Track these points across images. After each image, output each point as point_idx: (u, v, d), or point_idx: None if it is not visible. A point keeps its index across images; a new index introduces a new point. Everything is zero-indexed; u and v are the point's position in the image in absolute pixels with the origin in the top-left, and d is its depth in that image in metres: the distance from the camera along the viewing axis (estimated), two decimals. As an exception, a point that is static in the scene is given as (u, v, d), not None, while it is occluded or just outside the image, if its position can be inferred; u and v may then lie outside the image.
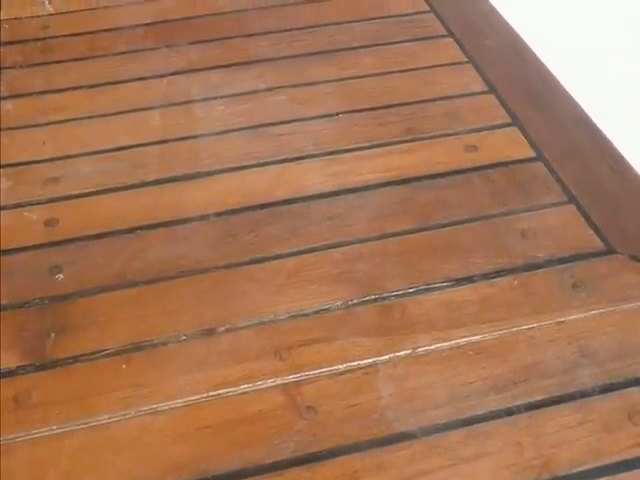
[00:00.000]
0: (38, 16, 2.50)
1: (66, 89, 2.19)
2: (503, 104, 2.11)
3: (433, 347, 1.52)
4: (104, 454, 1.37)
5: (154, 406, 1.43)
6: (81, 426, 1.40)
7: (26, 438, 1.39)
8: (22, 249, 1.74)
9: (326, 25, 2.44)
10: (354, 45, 2.35)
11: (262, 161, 1.94)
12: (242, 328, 1.56)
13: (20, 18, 2.50)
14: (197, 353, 1.51)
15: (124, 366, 1.50)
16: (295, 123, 2.06)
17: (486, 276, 1.65)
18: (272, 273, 1.67)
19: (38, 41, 2.39)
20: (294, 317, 1.58)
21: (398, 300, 1.61)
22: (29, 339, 1.55)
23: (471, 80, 2.20)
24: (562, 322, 1.56)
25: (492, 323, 1.56)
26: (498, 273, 1.66)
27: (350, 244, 1.73)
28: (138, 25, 2.45)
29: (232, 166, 1.93)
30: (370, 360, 1.50)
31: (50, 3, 2.56)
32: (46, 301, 1.62)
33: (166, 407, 1.43)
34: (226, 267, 1.68)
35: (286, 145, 1.99)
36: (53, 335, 1.55)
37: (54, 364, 1.51)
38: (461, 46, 2.33)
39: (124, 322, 1.58)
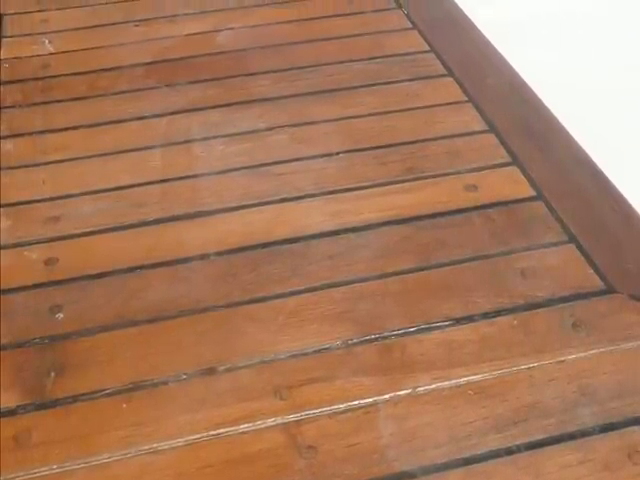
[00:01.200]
0: (38, 55, 2.57)
1: (66, 128, 2.26)
2: (503, 143, 2.17)
3: (433, 386, 1.56)
4: (104, 493, 1.41)
5: (155, 445, 1.47)
6: (82, 465, 1.44)
7: (26, 478, 1.43)
8: (22, 288, 1.78)
9: (327, 64, 2.51)
10: (355, 84, 2.42)
11: (262, 200, 2.00)
12: (242, 367, 1.60)
13: (20, 57, 2.57)
14: (197, 392, 1.55)
15: (124, 405, 1.54)
16: (295, 162, 2.12)
17: (486, 315, 1.70)
18: (273, 312, 1.71)
19: (38, 80, 2.46)
20: (294, 356, 1.62)
21: (398, 339, 1.65)
22: (29, 378, 1.59)
23: (471, 119, 2.26)
24: (562, 361, 1.60)
25: (492, 362, 1.60)
26: (498, 312, 1.70)
27: (350, 283, 1.78)
28: (138, 64, 2.52)
29: (232, 205, 1.99)
30: (370, 399, 1.54)
31: (50, 42, 2.63)
32: (46, 340, 1.66)
33: (167, 446, 1.47)
34: (226, 306, 1.73)
35: (286, 184, 2.04)
36: (53, 374, 1.59)
37: (54, 403, 1.55)
38: (461, 85, 2.39)
39: (124, 361, 1.62)
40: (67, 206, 1.99)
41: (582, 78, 2.51)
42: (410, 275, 1.80)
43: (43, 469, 1.44)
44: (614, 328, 1.66)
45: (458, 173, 2.08)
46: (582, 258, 1.83)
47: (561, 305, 1.72)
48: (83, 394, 1.56)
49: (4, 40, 2.64)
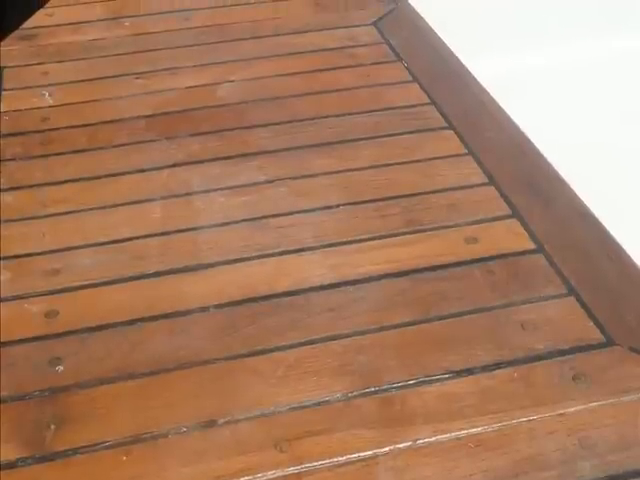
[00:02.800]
0: (38, 108, 2.66)
1: (66, 181, 2.33)
2: (503, 196, 2.24)
3: (433, 439, 1.61)
4: None
5: (154, 498, 1.52)
6: (81, 518, 1.49)
7: (26, 530, 1.48)
8: (22, 341, 1.84)
9: (326, 117, 2.59)
10: (355, 137, 2.50)
11: (263, 253, 2.06)
12: (242, 420, 1.66)
13: (20, 110, 2.65)
14: (198, 445, 1.61)
15: (124, 458, 1.59)
16: (295, 215, 2.19)
17: (486, 368, 1.75)
18: (272, 365, 1.77)
19: (38, 133, 2.54)
20: (294, 409, 1.68)
21: (398, 392, 1.71)
22: (29, 431, 1.64)
23: (471, 172, 2.34)
24: (562, 414, 1.65)
25: (492, 415, 1.65)
26: (498, 365, 1.76)
27: (350, 336, 1.84)
28: (138, 117, 2.60)
29: (232, 258, 2.05)
30: (370, 452, 1.59)
31: (50, 95, 2.72)
32: (46, 393, 1.72)
33: (166, 499, 1.52)
34: (226, 359, 1.79)
35: (286, 237, 2.11)
36: (53, 427, 1.65)
37: (54, 456, 1.60)
38: (461, 138, 2.47)
39: (124, 414, 1.67)
40: (67, 259, 2.05)
41: (582, 131, 2.59)
42: (410, 328, 1.86)
43: (43, 522, 1.49)
44: (614, 381, 1.72)
45: (458, 226, 2.15)
46: (582, 311, 1.89)
47: (561, 358, 1.78)
48: (83, 447, 1.61)
49: (4, 93, 2.72)
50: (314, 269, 2.02)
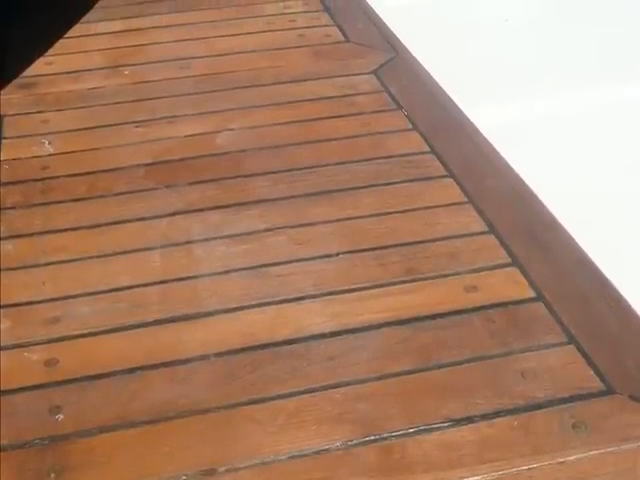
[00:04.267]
0: (38, 156, 2.73)
1: (66, 229, 2.39)
2: (503, 244, 2.30)
3: (433, 488, 1.66)
4: None
5: None
6: None
7: None
8: (22, 389, 1.89)
9: (326, 165, 2.66)
10: (355, 185, 2.56)
11: (262, 301, 2.12)
12: (242, 468, 1.70)
13: (20, 158, 2.72)
14: (198, 493, 1.65)
15: (124, 506, 1.63)
16: (295, 263, 2.25)
17: (486, 416, 1.80)
18: (272, 413, 1.82)
19: (38, 181, 2.60)
20: (294, 457, 1.72)
21: (398, 440, 1.75)
22: (30, 479, 1.68)
23: (471, 220, 2.40)
24: (562, 462, 1.70)
25: (492, 464, 1.70)
26: (498, 413, 1.81)
27: (350, 384, 1.89)
28: (138, 165, 2.67)
29: (232, 306, 2.11)
30: (370, 500, 1.64)
31: (50, 143, 2.79)
32: (46, 441, 1.77)
33: None
34: (226, 407, 1.84)
35: (286, 285, 2.17)
36: (53, 475, 1.69)
37: (54, 504, 1.64)
38: (461, 186, 2.54)
39: (124, 462, 1.72)
40: (67, 307, 2.11)
41: (582, 179, 2.66)
42: (410, 376, 1.91)
43: None
44: (614, 429, 1.77)
45: (458, 274, 2.20)
46: (582, 359, 1.94)
47: (561, 406, 1.82)
48: (83, 495, 1.66)
49: (4, 141, 2.80)
50: (314, 317, 2.07)
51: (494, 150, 2.69)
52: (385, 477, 1.68)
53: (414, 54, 3.29)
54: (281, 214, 2.44)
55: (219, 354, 1.97)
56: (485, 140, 2.74)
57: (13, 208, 2.48)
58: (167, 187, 2.57)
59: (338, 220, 2.41)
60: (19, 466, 1.71)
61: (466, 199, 2.48)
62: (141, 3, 3.76)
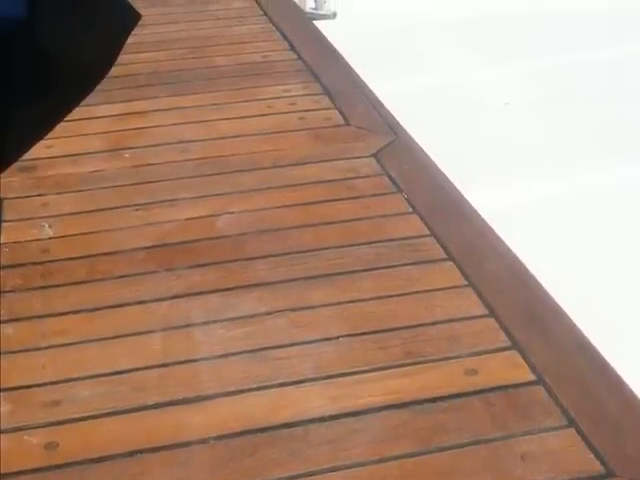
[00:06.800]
0: (38, 240, 2.82)
1: (66, 313, 2.48)
2: (503, 328, 2.39)
3: None
4: None
5: None
6: None
7: None
8: (22, 472, 1.96)
9: (327, 248, 2.75)
10: (355, 269, 2.66)
11: (262, 384, 2.20)
12: None
13: (20, 242, 2.82)
14: None
15: None
16: (295, 347, 2.33)
17: (486, 500, 1.87)
18: (272, 497, 1.89)
19: (38, 265, 2.70)
20: (294, 541, 1.79)
21: (398, 524, 1.82)
22: None
23: (471, 303, 2.49)
24: None
25: None
26: (498, 496, 1.88)
27: (350, 468, 1.96)
28: (138, 248, 2.77)
29: (232, 389, 2.19)
30: None
31: (50, 226, 2.89)
32: (46, 525, 1.84)
33: None
34: (226, 491, 1.91)
35: (286, 368, 2.25)
36: None
37: None
38: (461, 269, 2.63)
39: None
40: (67, 390, 2.19)
41: (582, 262, 2.75)
42: (410, 459, 1.98)
43: None
44: (615, 512, 1.84)
45: (458, 357, 2.29)
46: (582, 442, 2.02)
47: (561, 489, 1.90)
48: None
49: (4, 224, 2.90)
50: (314, 400, 2.15)
51: (494, 233, 2.79)
52: None
53: (414, 137, 3.40)
54: (281, 297, 2.53)
55: (219, 437, 2.04)
56: (485, 223, 2.85)
57: (13, 291, 2.57)
58: (167, 270, 2.66)
59: (338, 303, 2.50)
60: None
61: (466, 282, 2.57)
62: (141, 86, 3.89)
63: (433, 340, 2.35)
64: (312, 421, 2.09)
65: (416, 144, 3.37)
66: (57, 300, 2.53)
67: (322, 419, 2.09)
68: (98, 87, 3.85)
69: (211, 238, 2.83)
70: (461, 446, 2.01)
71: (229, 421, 2.09)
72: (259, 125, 3.54)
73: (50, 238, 2.84)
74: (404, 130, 3.46)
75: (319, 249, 2.75)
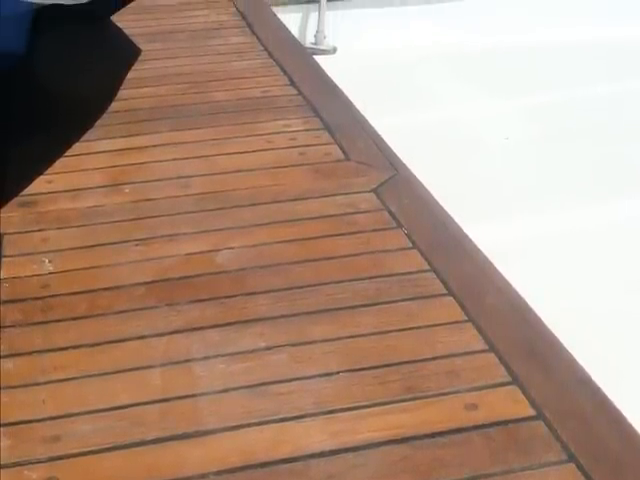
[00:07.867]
0: (38, 275, 2.86)
1: (66, 348, 2.51)
2: (503, 363, 2.42)
3: None
4: None
5: None
6: None
7: None
8: (22, 508, 2.00)
9: (326, 284, 2.79)
10: (355, 304, 2.69)
11: (262, 420, 2.23)
12: None
13: (20, 277, 2.85)
14: None
15: None
16: (295, 382, 2.37)
17: (486, 535, 1.90)
18: (272, 532, 1.92)
19: (38, 300, 2.73)
20: None
21: None
22: None
23: (471, 339, 2.53)
24: None
25: None
26: (497, 532, 1.91)
27: (350, 503, 1.99)
28: (138, 284, 2.80)
29: (232, 425, 2.22)
30: None
31: (50, 262, 2.92)
32: None
33: None
34: (226, 526, 1.94)
35: (286, 404, 2.28)
36: None
37: None
38: (461, 304, 2.67)
39: None
40: (67, 426, 2.22)
41: (582, 297, 2.79)
42: (410, 495, 2.02)
43: None
44: None
45: (458, 392, 2.32)
46: (582, 477, 2.05)
47: (561, 524, 1.93)
48: None
49: (4, 260, 2.93)
50: (314, 436, 2.18)
51: (494, 268, 2.83)
52: None
53: (414, 172, 3.44)
54: (281, 332, 2.56)
55: (219, 472, 2.07)
56: (485, 258, 2.89)
57: (13, 326, 2.60)
58: (167, 305, 2.69)
59: (338, 338, 2.53)
60: None
61: (466, 317, 2.61)
62: (142, 121, 3.94)
63: (433, 375, 2.38)
64: (312, 456, 2.12)
65: (416, 179, 3.41)
66: (57, 335, 2.57)
67: (322, 454, 2.12)
68: (98, 122, 3.89)
69: (211, 273, 2.87)
70: (461, 481, 2.05)
71: (229, 456, 2.12)
72: (259, 160, 3.58)
73: (50, 273, 2.87)
74: (404, 165, 3.50)
75: (319, 284, 2.79)
